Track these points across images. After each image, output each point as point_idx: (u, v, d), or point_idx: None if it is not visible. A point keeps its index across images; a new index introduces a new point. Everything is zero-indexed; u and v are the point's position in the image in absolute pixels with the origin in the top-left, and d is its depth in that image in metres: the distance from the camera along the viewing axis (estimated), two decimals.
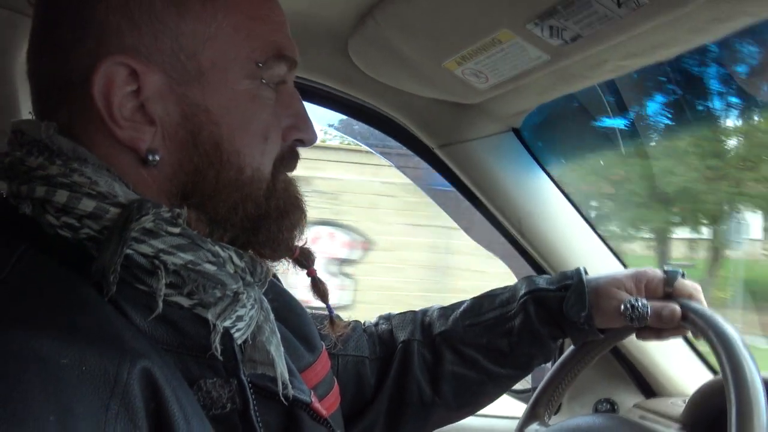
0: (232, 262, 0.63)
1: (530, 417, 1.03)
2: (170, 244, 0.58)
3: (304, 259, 0.76)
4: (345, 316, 0.97)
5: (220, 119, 0.61)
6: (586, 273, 0.96)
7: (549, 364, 1.06)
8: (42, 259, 0.55)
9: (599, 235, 1.31)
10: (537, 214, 1.28)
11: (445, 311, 1.02)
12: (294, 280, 0.83)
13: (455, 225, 1.64)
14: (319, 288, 0.79)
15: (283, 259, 0.72)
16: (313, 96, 1.25)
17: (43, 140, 0.59)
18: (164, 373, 0.52)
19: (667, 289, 0.90)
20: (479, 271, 5.07)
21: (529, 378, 1.33)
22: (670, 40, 0.82)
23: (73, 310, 0.52)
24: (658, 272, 0.92)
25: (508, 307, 0.97)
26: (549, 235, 1.28)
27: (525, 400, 1.10)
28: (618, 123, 1.51)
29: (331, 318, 0.80)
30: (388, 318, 1.04)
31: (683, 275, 0.91)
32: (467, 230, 1.64)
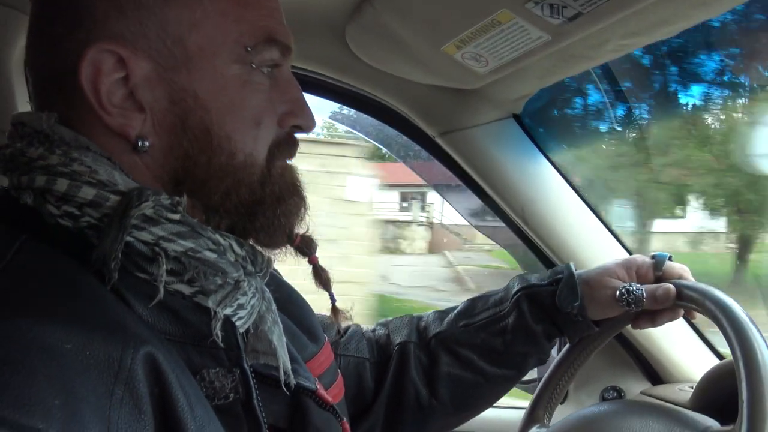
0: (233, 251, 0.63)
1: (530, 420, 1.02)
2: (170, 231, 0.58)
3: (306, 247, 0.75)
4: None
5: (209, 104, 0.61)
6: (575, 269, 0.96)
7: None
8: (43, 248, 0.55)
9: (603, 221, 1.29)
10: (540, 200, 1.26)
11: (441, 314, 1.02)
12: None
13: None
14: (321, 275, 0.78)
15: (282, 247, 0.71)
16: (311, 86, 1.24)
17: (44, 131, 0.59)
18: (168, 360, 0.52)
19: (657, 273, 0.93)
20: None
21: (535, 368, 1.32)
22: (671, 16, 0.81)
23: (75, 297, 0.52)
24: (646, 258, 0.94)
25: (502, 306, 0.97)
26: (552, 222, 1.27)
27: (531, 391, 1.10)
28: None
29: (334, 305, 0.79)
30: (385, 324, 1.05)
31: (671, 258, 0.93)
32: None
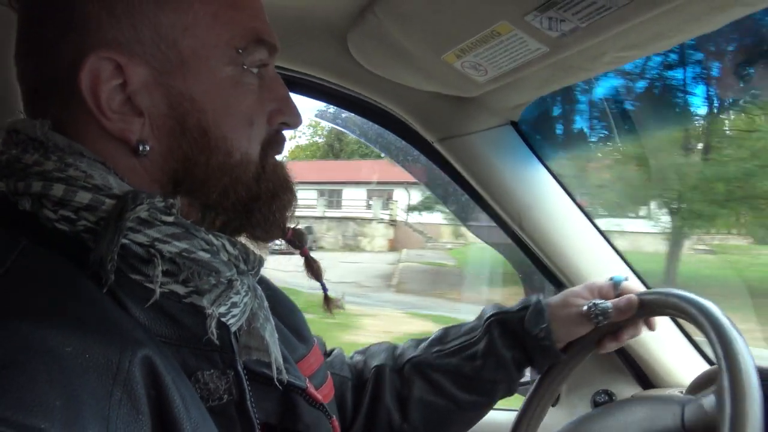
0: (226, 250, 0.64)
1: None
2: (165, 233, 0.59)
3: (297, 240, 0.77)
4: None
5: (206, 106, 0.63)
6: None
7: None
8: (42, 253, 0.56)
9: (598, 229, 1.31)
10: (536, 207, 1.28)
11: (417, 342, 1.06)
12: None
13: None
14: (312, 267, 0.80)
15: (276, 240, 0.73)
16: (312, 90, 1.26)
17: (38, 137, 0.60)
18: (164, 362, 0.53)
19: (615, 292, 1.01)
20: None
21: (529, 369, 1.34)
22: (668, 30, 0.82)
23: (74, 301, 0.53)
24: (605, 281, 1.02)
25: (474, 333, 1.02)
26: (548, 229, 1.29)
27: (524, 393, 1.12)
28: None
29: (326, 295, 0.81)
30: (362, 351, 1.08)
31: (626, 279, 1.02)
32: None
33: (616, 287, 1.00)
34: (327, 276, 0.76)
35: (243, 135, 0.65)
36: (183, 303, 0.61)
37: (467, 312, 8.32)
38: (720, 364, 0.77)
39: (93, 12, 0.59)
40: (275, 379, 0.67)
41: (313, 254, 0.79)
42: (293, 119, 0.70)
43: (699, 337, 1.30)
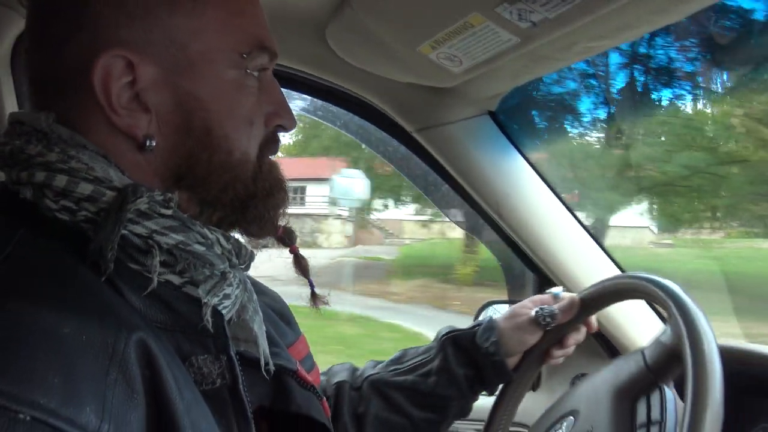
0: (220, 244, 0.67)
1: None
2: (163, 226, 0.62)
3: (287, 237, 0.80)
4: None
5: (210, 106, 0.65)
6: None
7: None
8: (41, 241, 0.59)
9: (575, 216, 1.34)
10: (514, 195, 1.31)
11: (376, 362, 1.10)
12: None
13: None
14: (300, 263, 0.83)
15: (268, 237, 0.76)
16: (292, 82, 1.28)
17: (42, 129, 0.62)
18: (158, 345, 0.55)
19: (556, 302, 1.07)
20: None
21: None
22: (634, 21, 0.85)
23: (72, 287, 0.56)
24: (545, 294, 1.09)
25: (429, 352, 1.06)
26: (526, 216, 1.32)
27: None
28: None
29: (313, 291, 0.83)
30: (326, 372, 1.11)
31: (564, 290, 1.09)
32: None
33: (556, 299, 1.07)
34: (254, 270, 0.78)
35: (243, 135, 0.68)
36: (178, 291, 0.63)
37: (353, 303, 8.48)
38: (675, 324, 0.82)
39: (108, 13, 0.62)
40: (263, 369, 0.70)
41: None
42: (288, 122, 0.73)
43: None
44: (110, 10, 0.62)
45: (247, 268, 0.73)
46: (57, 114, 0.63)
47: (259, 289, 0.85)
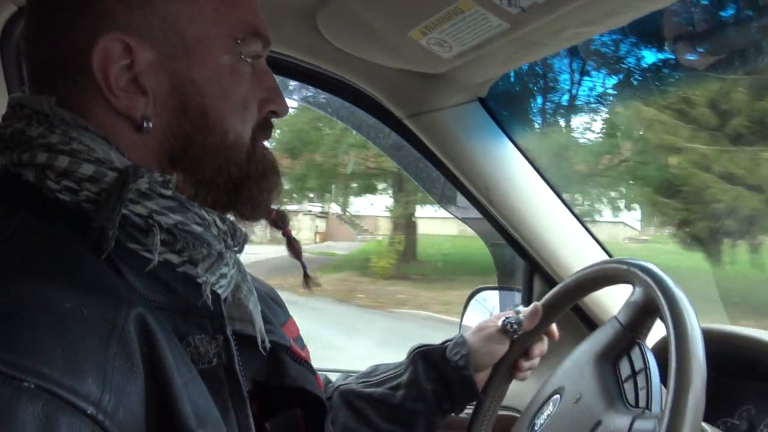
0: (216, 225, 0.68)
1: None
2: (162, 206, 0.63)
3: (280, 221, 0.81)
4: None
5: (205, 90, 0.67)
6: None
7: None
8: (42, 222, 0.60)
9: (563, 201, 1.36)
10: (503, 181, 1.32)
11: (348, 375, 1.12)
12: None
13: None
14: (294, 246, 0.84)
15: (261, 220, 0.77)
16: (283, 69, 1.28)
17: (44, 111, 0.63)
18: (156, 323, 0.57)
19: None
20: None
21: None
22: (621, 7, 0.86)
23: (72, 265, 0.57)
24: (508, 310, 1.12)
25: (400, 367, 1.08)
26: (515, 201, 1.33)
27: None
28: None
29: (305, 273, 0.85)
30: None
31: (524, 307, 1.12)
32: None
33: (518, 314, 1.10)
34: None
35: (238, 118, 0.70)
36: (176, 272, 0.64)
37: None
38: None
39: (108, 0, 0.64)
40: (260, 346, 0.72)
41: None
42: (281, 108, 0.75)
43: None
44: None
45: (241, 250, 0.75)
46: (58, 97, 0.64)
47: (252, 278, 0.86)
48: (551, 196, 1.34)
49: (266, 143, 0.75)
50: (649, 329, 0.90)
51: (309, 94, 1.61)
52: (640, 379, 0.85)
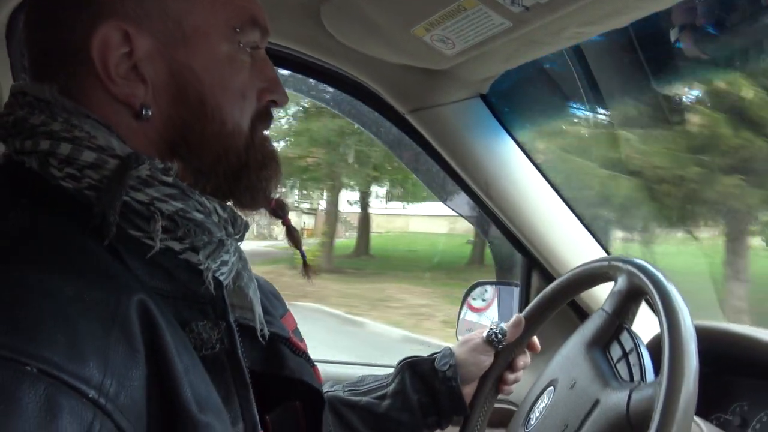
0: (216, 213, 0.69)
1: None
2: (163, 193, 0.63)
3: (280, 210, 0.81)
4: None
5: (204, 78, 0.68)
6: None
7: None
8: (45, 209, 0.60)
9: (562, 197, 1.37)
10: (503, 177, 1.33)
11: (335, 383, 1.12)
12: None
13: None
14: (293, 235, 0.84)
15: (260, 209, 0.78)
16: (287, 62, 1.29)
17: (46, 99, 0.64)
18: (158, 309, 0.57)
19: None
20: None
21: None
22: (623, 7, 0.87)
23: (74, 252, 0.57)
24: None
25: (388, 377, 1.09)
26: (515, 197, 1.34)
27: None
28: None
29: (305, 262, 0.85)
30: None
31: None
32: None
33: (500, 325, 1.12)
34: None
35: (236, 107, 0.70)
36: (178, 259, 0.65)
37: None
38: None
39: None
40: (258, 334, 0.73)
41: None
42: (280, 98, 0.75)
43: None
44: None
45: (242, 238, 0.75)
46: (59, 85, 0.65)
47: None
48: (550, 193, 1.35)
49: (265, 132, 0.75)
50: (634, 314, 0.93)
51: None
52: (632, 357, 0.88)
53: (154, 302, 0.58)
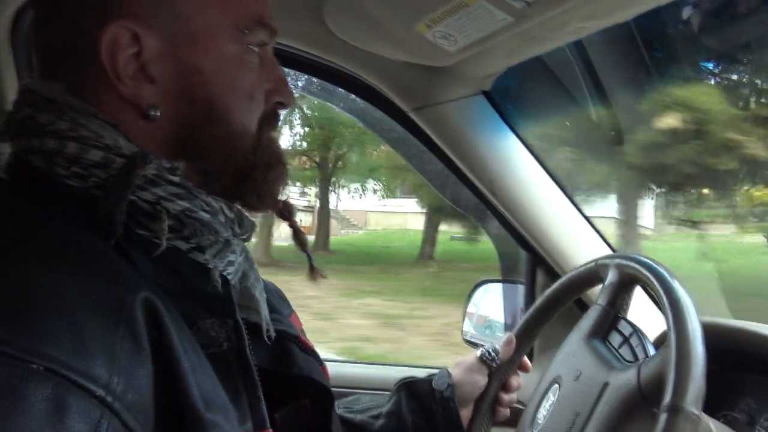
0: (223, 213, 0.69)
1: None
2: (170, 192, 0.64)
3: (287, 211, 0.81)
4: None
5: (212, 79, 0.67)
6: None
7: None
8: (51, 208, 0.61)
9: (567, 194, 1.36)
10: (507, 174, 1.33)
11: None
12: None
13: None
14: (299, 238, 0.84)
15: (267, 210, 0.78)
16: (289, 61, 1.29)
17: (53, 98, 0.64)
18: (164, 307, 0.57)
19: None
20: None
21: None
22: (625, 2, 0.87)
23: (80, 250, 0.57)
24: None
25: (384, 399, 1.08)
26: (519, 194, 1.34)
27: None
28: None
29: (311, 265, 0.85)
30: None
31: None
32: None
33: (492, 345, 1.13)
34: None
35: (244, 108, 0.70)
36: (185, 258, 0.65)
37: None
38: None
39: None
40: (264, 336, 0.73)
41: None
42: (287, 99, 0.75)
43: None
44: None
45: (248, 238, 0.75)
46: (68, 85, 0.65)
47: None
48: (555, 190, 1.35)
49: (273, 134, 0.75)
50: (628, 304, 0.95)
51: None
52: (633, 340, 0.90)
53: (161, 300, 0.58)
